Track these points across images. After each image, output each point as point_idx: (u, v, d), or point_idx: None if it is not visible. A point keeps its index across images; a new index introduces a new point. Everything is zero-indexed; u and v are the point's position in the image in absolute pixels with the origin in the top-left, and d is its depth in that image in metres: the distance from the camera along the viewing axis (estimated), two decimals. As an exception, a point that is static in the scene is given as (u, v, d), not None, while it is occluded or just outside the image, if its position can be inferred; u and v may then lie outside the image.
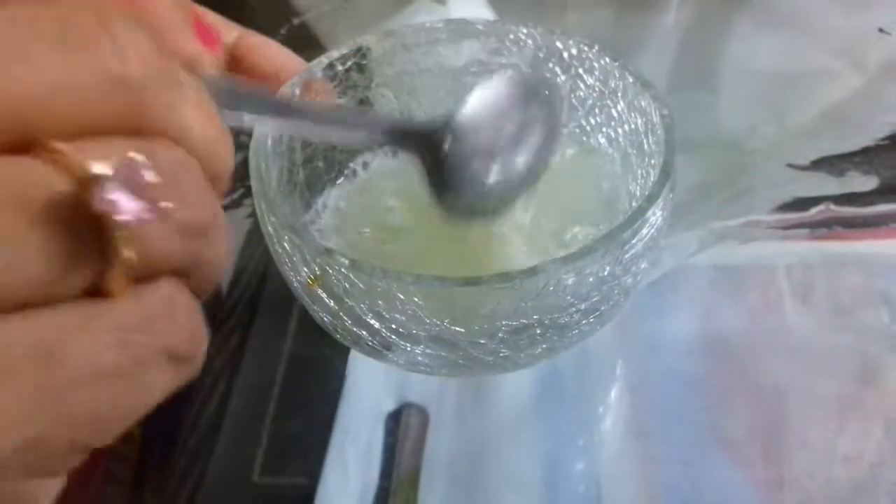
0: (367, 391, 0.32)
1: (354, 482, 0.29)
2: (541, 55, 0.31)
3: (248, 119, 0.18)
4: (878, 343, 0.32)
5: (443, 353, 0.25)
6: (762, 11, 0.50)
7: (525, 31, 0.31)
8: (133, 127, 0.13)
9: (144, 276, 0.13)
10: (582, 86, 0.31)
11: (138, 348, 0.13)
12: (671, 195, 0.25)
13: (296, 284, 0.25)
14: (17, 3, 0.12)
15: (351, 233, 0.31)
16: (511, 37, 0.31)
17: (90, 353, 0.13)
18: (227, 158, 0.15)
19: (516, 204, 0.27)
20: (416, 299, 0.22)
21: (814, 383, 0.31)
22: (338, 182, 0.33)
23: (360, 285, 0.23)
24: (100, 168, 0.12)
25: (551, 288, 0.22)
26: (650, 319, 0.33)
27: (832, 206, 0.38)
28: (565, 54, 0.31)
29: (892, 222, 0.37)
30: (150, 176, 0.12)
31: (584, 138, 0.32)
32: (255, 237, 0.38)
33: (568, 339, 0.26)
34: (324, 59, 0.30)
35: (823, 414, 0.30)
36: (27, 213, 0.12)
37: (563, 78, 0.31)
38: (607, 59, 0.29)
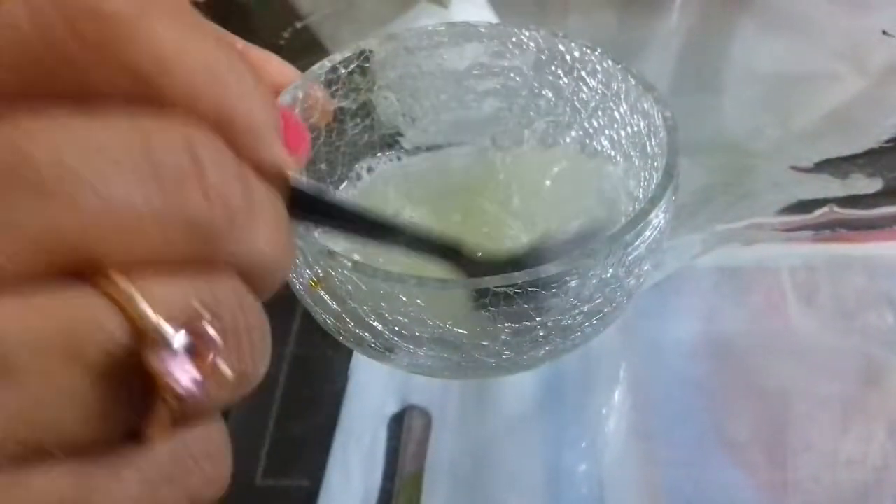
0: (370, 393, 0.32)
1: (357, 484, 0.29)
2: (543, 58, 0.31)
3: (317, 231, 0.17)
4: (882, 345, 0.32)
5: (445, 355, 0.25)
6: (765, 14, 0.50)
7: (528, 33, 0.31)
8: (203, 262, 0.12)
9: (184, 421, 0.12)
10: (585, 88, 0.31)
11: (165, 500, 0.12)
12: (674, 198, 0.25)
13: (299, 287, 0.25)
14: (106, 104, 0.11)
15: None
16: (514, 40, 0.31)
17: None
18: (287, 273, 0.14)
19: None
20: (418, 301, 0.22)
21: (818, 385, 0.31)
22: (342, 186, 0.33)
23: (363, 287, 0.22)
24: (164, 325, 0.11)
25: (553, 290, 0.22)
26: (653, 321, 0.33)
27: (836, 209, 0.37)
28: (568, 57, 0.31)
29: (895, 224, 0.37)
30: (216, 341, 0.11)
31: (588, 141, 0.32)
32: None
33: (571, 342, 0.26)
34: (326, 63, 0.30)
35: (827, 416, 0.30)
36: (75, 359, 0.10)
37: (565, 81, 0.31)
38: (610, 62, 0.29)
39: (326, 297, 0.24)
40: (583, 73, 0.31)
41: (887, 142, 0.41)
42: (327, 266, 0.23)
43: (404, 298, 0.22)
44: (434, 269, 0.23)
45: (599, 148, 0.32)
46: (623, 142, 0.30)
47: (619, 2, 0.51)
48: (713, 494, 0.28)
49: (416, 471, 0.29)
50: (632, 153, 0.30)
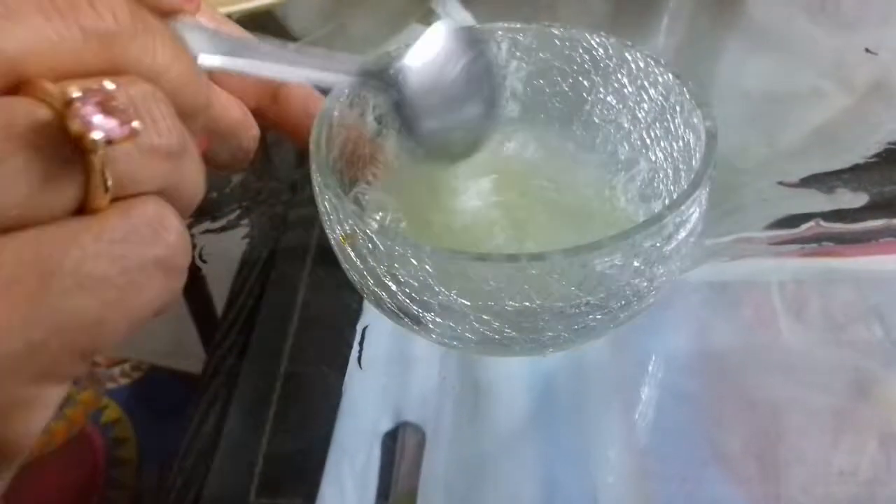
0: (364, 410, 0.32)
1: (351, 502, 0.29)
2: (611, 64, 0.33)
3: (220, 61, 0.20)
4: (872, 358, 0.32)
5: (451, 324, 0.26)
6: (751, 33, 0.51)
7: (598, 39, 0.33)
8: (110, 71, 0.15)
9: (126, 195, 0.15)
10: (645, 97, 0.32)
11: (125, 258, 0.15)
12: (700, 208, 0.26)
13: (332, 240, 0.28)
14: None
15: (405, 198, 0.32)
16: (584, 44, 0.33)
17: (79, 262, 0.14)
18: (197, 96, 0.17)
19: (480, 146, 0.29)
20: (427, 267, 0.24)
21: (809, 399, 0.31)
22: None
23: (382, 248, 0.24)
24: (76, 93, 0.14)
25: (556, 276, 0.23)
26: (645, 336, 0.33)
27: (822, 223, 0.38)
28: (633, 66, 0.32)
29: (882, 238, 0.37)
30: (121, 98, 0.14)
31: (644, 151, 0.33)
32: (251, 258, 0.38)
33: (575, 332, 0.26)
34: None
35: (819, 429, 0.30)
36: (11, 139, 0.13)
37: (629, 89, 0.33)
38: (670, 75, 0.30)
39: (352, 254, 0.27)
40: (645, 83, 0.32)
41: (872, 157, 0.41)
42: (355, 225, 0.25)
43: (414, 262, 0.24)
44: (481, 243, 0.26)
45: (654, 159, 0.32)
46: (675, 154, 0.31)
47: (606, 22, 0.52)
48: (707, 508, 0.28)
49: (410, 488, 0.29)
50: (680, 167, 0.30)
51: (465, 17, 0.50)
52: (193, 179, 0.17)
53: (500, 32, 0.33)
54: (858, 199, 0.39)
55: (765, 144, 0.43)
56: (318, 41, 0.50)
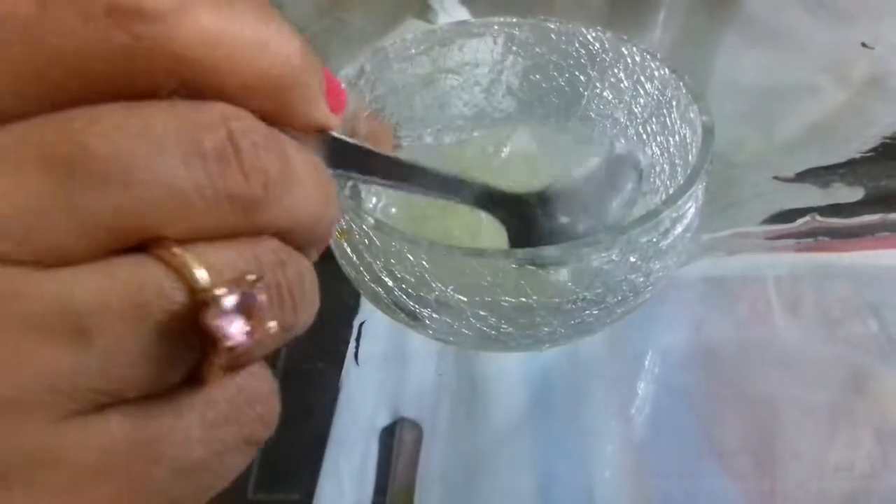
0: (361, 406, 0.32)
1: (349, 498, 0.29)
2: (607, 59, 0.32)
3: (348, 174, 0.19)
4: (867, 353, 0.32)
5: (447, 320, 0.26)
6: (747, 28, 0.51)
7: (594, 34, 0.32)
8: (248, 231, 0.13)
9: (237, 365, 0.14)
10: (642, 92, 0.32)
11: (223, 441, 0.14)
12: (696, 203, 0.26)
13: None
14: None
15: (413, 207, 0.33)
16: (580, 39, 0.33)
17: (182, 448, 0.13)
18: (331, 225, 0.16)
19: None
20: (423, 262, 0.24)
21: (805, 394, 0.31)
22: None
23: (378, 243, 0.24)
24: (219, 290, 0.12)
25: (551, 271, 0.23)
26: (641, 331, 0.33)
27: (818, 217, 0.38)
28: (629, 61, 0.32)
29: (878, 232, 0.37)
30: (261, 299, 0.13)
31: (641, 145, 0.33)
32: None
33: (571, 328, 0.26)
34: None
35: (815, 424, 0.30)
36: (141, 320, 0.12)
37: (626, 84, 0.32)
38: (667, 70, 0.30)
39: (348, 249, 0.26)
40: (641, 78, 0.32)
41: (868, 152, 0.41)
42: (351, 220, 0.25)
43: (411, 258, 0.24)
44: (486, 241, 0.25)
45: (651, 153, 0.32)
46: (671, 149, 0.31)
47: (602, 17, 0.52)
48: (703, 503, 0.28)
49: (408, 483, 0.29)
50: (676, 161, 0.30)
51: (462, 13, 0.50)
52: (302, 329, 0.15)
53: (496, 27, 0.33)
54: (854, 194, 0.39)
55: (761, 139, 0.43)
56: (314, 36, 0.50)
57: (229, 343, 0.13)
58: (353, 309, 0.35)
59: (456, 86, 0.35)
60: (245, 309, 0.13)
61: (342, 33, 0.51)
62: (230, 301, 0.13)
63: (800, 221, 0.38)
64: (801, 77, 0.47)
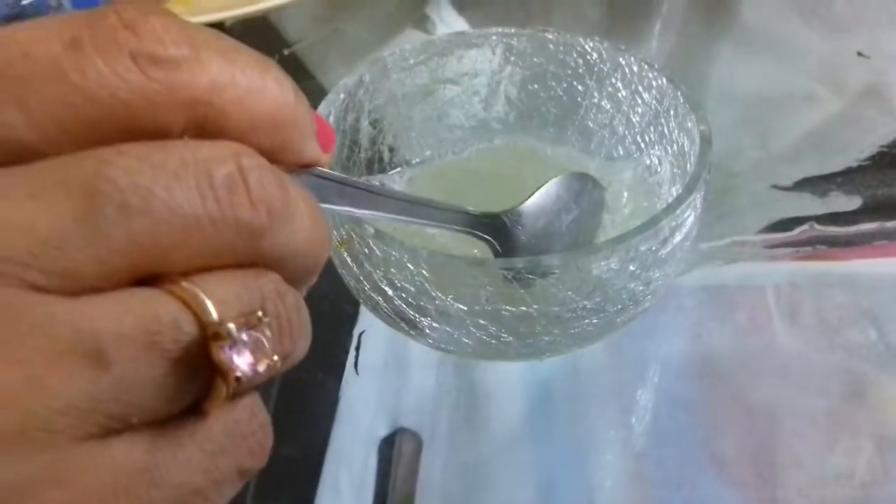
0: (360, 416, 0.32)
1: (348, 508, 0.29)
2: (605, 69, 0.33)
3: (341, 210, 0.20)
4: (866, 361, 0.32)
5: (447, 329, 0.26)
6: (744, 37, 0.51)
7: (591, 44, 0.33)
8: (251, 259, 0.14)
9: (238, 395, 0.14)
10: (640, 102, 0.32)
11: (221, 470, 0.14)
12: (695, 212, 0.26)
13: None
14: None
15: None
16: (578, 49, 0.33)
17: (182, 476, 0.13)
18: (322, 261, 0.16)
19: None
20: (423, 272, 0.24)
21: (804, 402, 0.31)
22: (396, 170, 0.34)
23: (378, 253, 0.25)
24: (227, 324, 0.13)
25: (552, 280, 0.23)
26: (640, 340, 0.33)
27: (816, 226, 0.38)
28: (627, 70, 0.32)
29: (876, 240, 0.37)
30: (267, 333, 0.14)
31: (638, 154, 0.33)
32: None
33: (571, 337, 0.27)
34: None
35: (814, 433, 0.30)
36: (154, 349, 0.13)
37: (624, 94, 0.33)
38: (664, 79, 0.30)
39: (348, 259, 0.26)
40: (639, 88, 0.32)
41: (865, 160, 0.42)
42: (350, 230, 0.25)
43: (411, 267, 0.24)
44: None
45: (649, 163, 0.33)
46: (670, 158, 0.31)
47: (599, 27, 0.52)
48: (703, 512, 0.28)
49: (407, 494, 0.29)
50: (675, 171, 0.31)
51: (460, 23, 0.50)
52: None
53: (494, 37, 0.34)
54: (852, 203, 0.39)
55: (758, 148, 0.43)
56: (313, 46, 0.50)
57: (237, 374, 0.13)
58: (353, 318, 0.35)
59: (454, 96, 0.35)
60: (252, 341, 0.14)
61: (341, 43, 0.51)
62: (239, 335, 0.13)
63: (798, 230, 0.38)
64: (798, 86, 0.47)
